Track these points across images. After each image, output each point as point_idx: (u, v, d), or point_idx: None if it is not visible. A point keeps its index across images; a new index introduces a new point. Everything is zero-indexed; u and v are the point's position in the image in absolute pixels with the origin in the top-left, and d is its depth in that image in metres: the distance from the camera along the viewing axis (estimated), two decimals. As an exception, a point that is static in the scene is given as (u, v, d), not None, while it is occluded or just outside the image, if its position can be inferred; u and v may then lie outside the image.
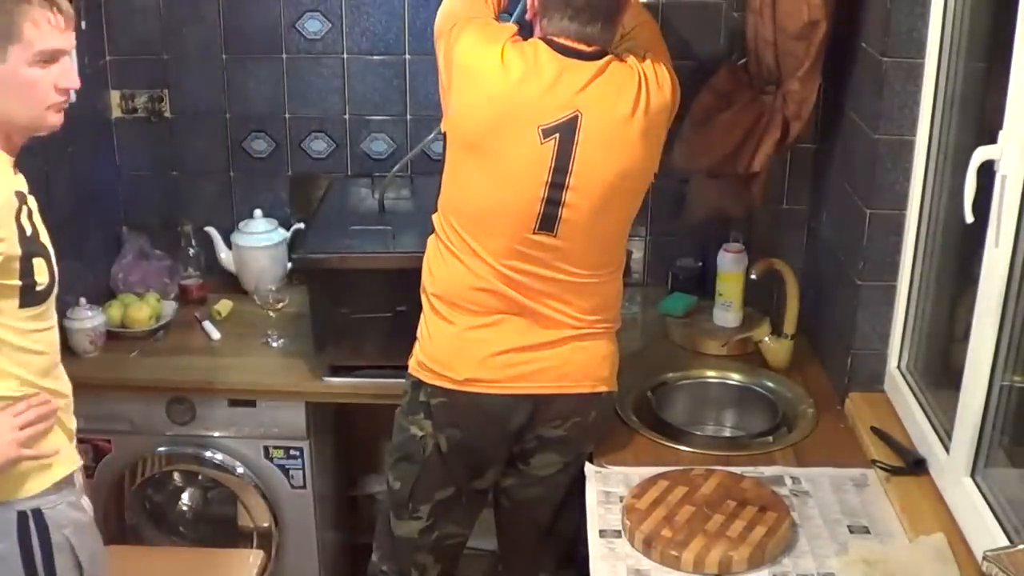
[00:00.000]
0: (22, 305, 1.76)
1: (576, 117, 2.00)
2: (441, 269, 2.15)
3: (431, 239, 2.19)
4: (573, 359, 2.16)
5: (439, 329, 2.15)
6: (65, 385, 1.94)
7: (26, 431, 1.80)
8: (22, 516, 1.83)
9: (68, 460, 1.92)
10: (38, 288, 1.77)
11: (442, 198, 2.15)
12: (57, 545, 1.87)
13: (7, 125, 1.77)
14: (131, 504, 2.76)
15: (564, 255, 2.09)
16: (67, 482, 1.91)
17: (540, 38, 2.07)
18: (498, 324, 2.12)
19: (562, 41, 2.04)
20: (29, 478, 1.84)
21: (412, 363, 2.21)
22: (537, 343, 2.13)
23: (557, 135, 2.01)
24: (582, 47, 2.04)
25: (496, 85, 2.02)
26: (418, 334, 2.21)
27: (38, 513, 1.85)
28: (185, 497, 2.95)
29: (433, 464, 2.22)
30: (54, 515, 1.87)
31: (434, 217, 2.18)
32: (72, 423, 1.97)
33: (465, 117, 2.07)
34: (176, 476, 2.86)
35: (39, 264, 1.76)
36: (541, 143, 2.01)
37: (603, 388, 2.21)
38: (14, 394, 1.81)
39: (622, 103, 2.03)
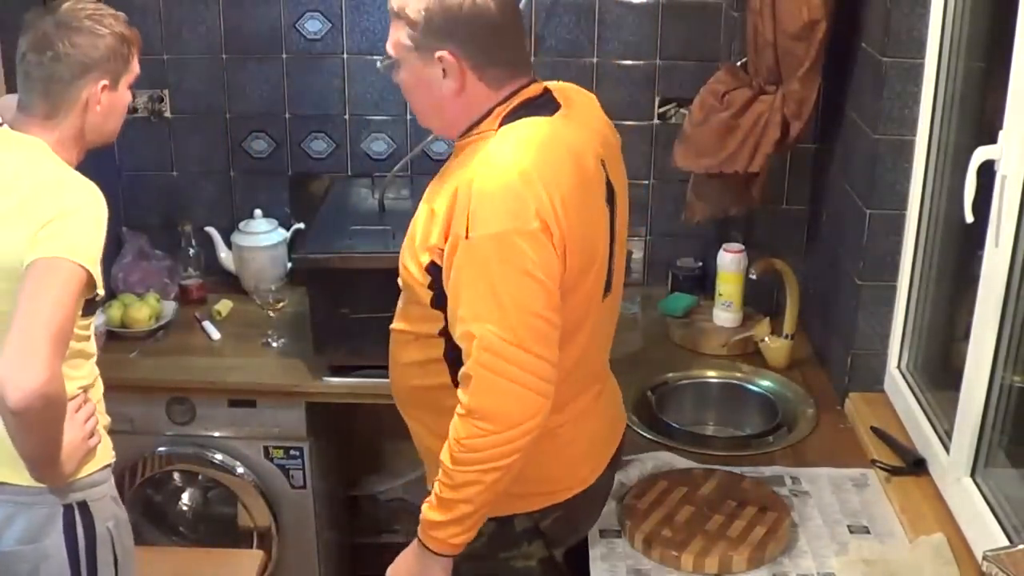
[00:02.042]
0: (83, 315, 1.83)
1: (605, 166, 1.80)
2: None
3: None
4: (616, 399, 2.05)
5: (535, 450, 1.75)
6: (100, 381, 2.01)
7: (89, 424, 1.89)
8: (68, 509, 1.88)
9: (107, 450, 1.98)
10: (97, 299, 1.84)
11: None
12: (100, 537, 1.92)
13: (94, 143, 1.92)
14: (131, 504, 2.75)
15: (612, 307, 1.94)
16: (108, 473, 1.98)
17: (512, 112, 1.73)
18: (584, 411, 1.89)
19: (526, 98, 1.74)
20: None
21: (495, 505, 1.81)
22: (606, 404, 1.99)
23: (608, 199, 1.81)
24: (535, 88, 1.76)
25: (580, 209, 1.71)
26: None
27: (84, 506, 1.90)
28: (185, 497, 2.95)
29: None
30: (99, 508, 1.93)
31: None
32: (107, 418, 2.03)
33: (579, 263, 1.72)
34: (176, 476, 2.86)
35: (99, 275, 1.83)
36: (605, 214, 1.80)
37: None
38: (74, 395, 1.88)
39: (607, 128, 1.89)
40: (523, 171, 1.63)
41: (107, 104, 1.87)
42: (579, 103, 1.85)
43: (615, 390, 2.07)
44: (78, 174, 1.84)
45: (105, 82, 1.85)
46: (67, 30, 1.80)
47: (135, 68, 1.93)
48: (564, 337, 1.73)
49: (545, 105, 1.76)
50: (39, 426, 1.72)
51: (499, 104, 1.73)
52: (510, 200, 1.62)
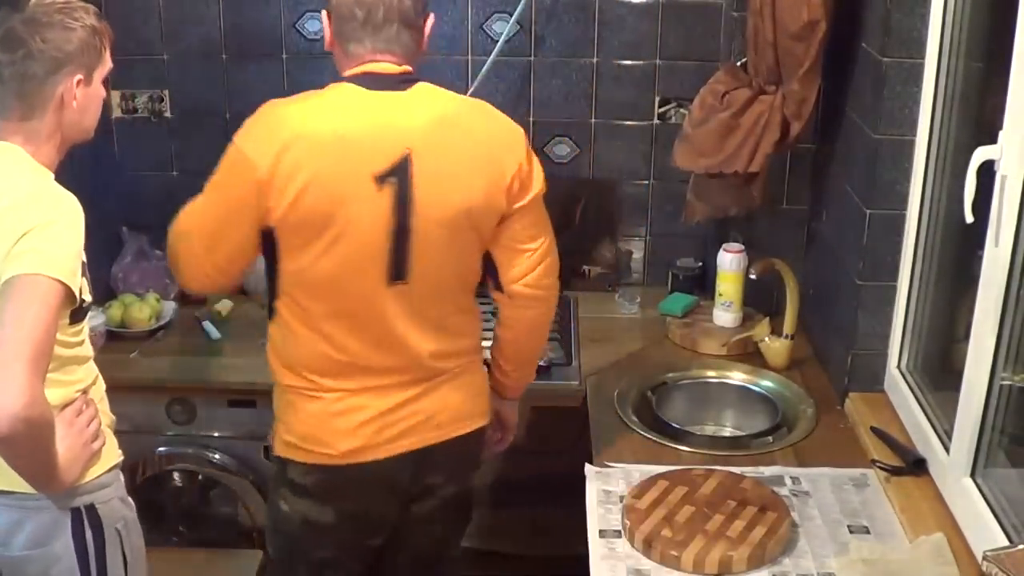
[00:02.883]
0: (71, 323, 1.81)
1: (407, 156, 1.90)
2: (295, 347, 2.02)
3: (272, 324, 2.06)
4: (449, 403, 2.09)
5: (305, 407, 2.04)
6: (100, 379, 1.99)
7: (91, 427, 1.87)
8: (76, 513, 1.87)
9: (113, 450, 1.96)
10: (84, 306, 1.82)
11: (281, 280, 1.99)
12: (109, 539, 1.91)
13: (72, 141, 1.88)
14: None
15: (421, 300, 2.00)
16: (115, 473, 1.96)
17: (345, 79, 1.96)
18: (366, 390, 2.02)
19: (367, 70, 1.95)
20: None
21: (277, 444, 2.10)
22: (410, 398, 2.04)
23: (393, 179, 1.90)
24: (389, 67, 1.95)
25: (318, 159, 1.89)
26: (277, 414, 2.10)
27: (91, 509, 1.88)
28: (185, 497, 2.94)
29: (305, 535, 2.13)
30: (107, 510, 1.91)
31: (276, 303, 2.03)
32: (111, 416, 2.01)
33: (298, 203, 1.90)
34: (176, 476, 2.86)
35: (83, 283, 1.80)
36: (378, 191, 1.90)
37: (482, 423, 2.16)
38: (73, 398, 1.87)
39: (448, 133, 1.95)
40: (273, 108, 1.97)
41: (83, 99, 1.83)
42: (434, 100, 1.97)
43: (458, 392, 2.09)
44: (54, 184, 1.80)
45: (80, 76, 1.81)
46: (37, 26, 1.77)
47: (108, 62, 1.88)
48: (309, 292, 1.97)
49: (378, 82, 1.94)
50: (27, 449, 1.68)
51: (349, 70, 1.98)
52: (250, 122, 1.98)
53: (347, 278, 1.95)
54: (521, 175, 1.99)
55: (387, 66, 1.96)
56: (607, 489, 2.11)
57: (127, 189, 3.09)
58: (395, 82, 1.95)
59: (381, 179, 1.90)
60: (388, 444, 2.05)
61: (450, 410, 2.09)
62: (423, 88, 1.98)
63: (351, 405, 2.03)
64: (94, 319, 2.68)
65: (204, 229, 2.00)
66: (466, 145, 1.96)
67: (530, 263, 2.06)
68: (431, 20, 2.03)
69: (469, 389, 2.13)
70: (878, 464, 2.15)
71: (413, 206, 1.92)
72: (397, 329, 2.00)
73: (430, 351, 2.04)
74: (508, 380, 2.25)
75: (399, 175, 1.90)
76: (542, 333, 2.22)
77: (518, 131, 2.03)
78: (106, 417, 1.97)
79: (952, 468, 1.97)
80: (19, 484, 1.78)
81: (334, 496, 2.09)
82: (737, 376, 2.61)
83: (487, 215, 1.99)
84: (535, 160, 2.04)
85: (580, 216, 3.08)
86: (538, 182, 2.03)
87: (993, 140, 1.77)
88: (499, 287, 2.09)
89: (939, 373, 2.23)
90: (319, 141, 1.89)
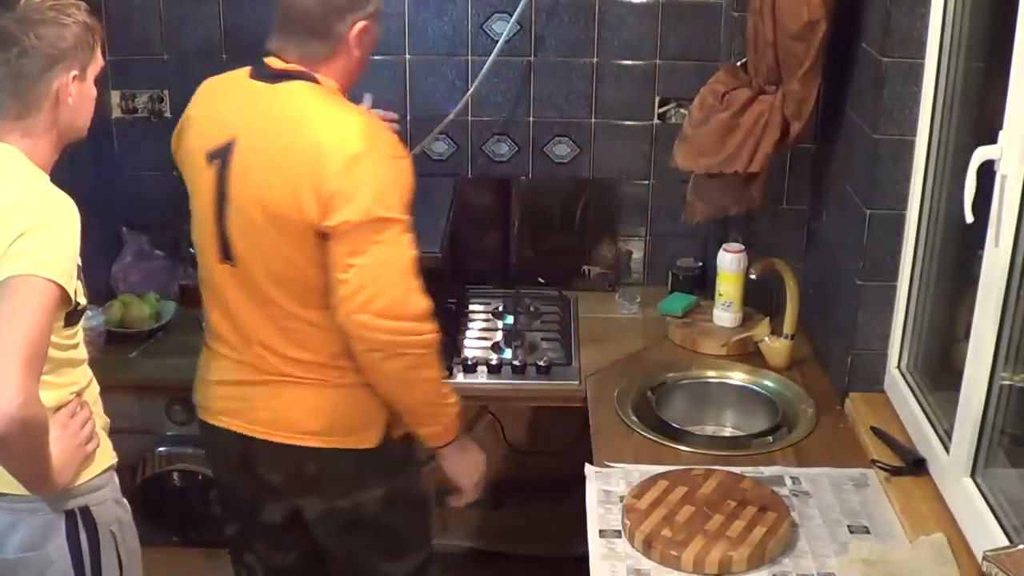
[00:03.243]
0: (66, 325, 1.81)
1: (231, 142, 1.98)
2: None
3: None
4: (272, 405, 2.07)
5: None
6: (95, 382, 1.98)
7: (86, 429, 1.87)
8: (70, 515, 1.86)
9: (108, 452, 1.96)
10: (79, 308, 1.82)
11: None
12: (104, 541, 1.91)
13: (67, 140, 1.88)
14: (131, 504, 2.75)
15: (256, 289, 2.02)
16: (110, 475, 1.96)
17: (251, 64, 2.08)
18: (219, 356, 2.13)
19: (264, 60, 2.03)
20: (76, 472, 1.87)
21: None
22: (243, 380, 2.09)
23: (217, 160, 2.00)
24: (276, 63, 2.01)
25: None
26: None
27: (86, 511, 1.88)
28: (185, 497, 2.94)
29: (220, 495, 2.31)
30: (101, 512, 1.91)
31: None
32: (105, 418, 2.00)
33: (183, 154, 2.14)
34: (176, 476, 2.86)
35: (78, 285, 1.80)
36: (206, 168, 2.02)
37: (313, 443, 2.05)
38: (67, 400, 1.86)
39: (278, 130, 1.96)
40: (206, 84, 2.15)
41: (78, 95, 1.83)
42: (290, 95, 1.98)
43: (284, 399, 2.06)
44: (50, 185, 1.80)
45: (75, 72, 1.81)
46: (30, 23, 1.76)
47: (100, 59, 1.88)
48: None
49: (258, 72, 2.03)
50: (21, 451, 1.68)
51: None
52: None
53: (198, 246, 2.12)
54: (325, 193, 1.88)
55: (275, 61, 2.02)
56: (607, 489, 2.11)
57: (127, 189, 3.09)
58: (270, 75, 2.01)
59: (210, 158, 2.02)
60: (219, 414, 2.14)
61: (273, 413, 2.07)
62: (290, 86, 1.99)
63: (207, 365, 2.17)
64: (94, 319, 2.69)
65: None
66: (282, 148, 1.94)
67: (342, 293, 1.92)
68: (359, 26, 1.99)
69: (303, 402, 2.06)
70: (878, 464, 2.15)
71: (228, 191, 2.00)
72: (234, 307, 2.07)
73: (260, 340, 2.06)
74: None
75: (222, 158, 2.00)
76: (382, 374, 1.99)
77: (347, 149, 1.89)
78: (100, 419, 1.97)
79: (952, 468, 1.97)
80: (13, 486, 1.78)
81: (208, 453, 2.31)
82: (737, 376, 2.61)
83: (291, 225, 1.92)
84: (366, 185, 1.89)
85: (580, 216, 3.08)
86: (357, 209, 1.87)
87: (993, 140, 1.77)
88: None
89: (939, 373, 2.23)
90: (200, 115, 2.10)
